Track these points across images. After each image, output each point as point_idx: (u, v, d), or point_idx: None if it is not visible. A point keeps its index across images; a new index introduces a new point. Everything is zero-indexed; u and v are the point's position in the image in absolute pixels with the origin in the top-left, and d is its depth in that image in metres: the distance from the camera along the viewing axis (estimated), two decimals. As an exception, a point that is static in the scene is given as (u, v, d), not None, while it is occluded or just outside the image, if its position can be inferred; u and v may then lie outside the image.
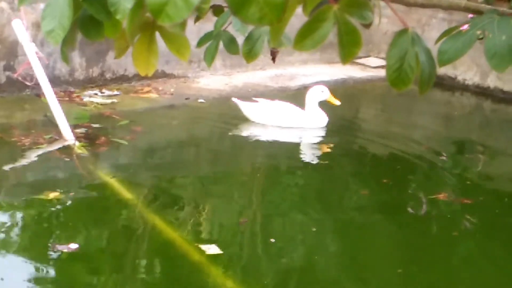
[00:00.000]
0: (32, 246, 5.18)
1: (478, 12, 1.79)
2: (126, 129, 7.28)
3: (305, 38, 1.35)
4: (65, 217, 5.59)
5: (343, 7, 1.35)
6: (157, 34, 2.17)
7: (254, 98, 8.10)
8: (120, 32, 2.18)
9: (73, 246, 5.01)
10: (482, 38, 1.71)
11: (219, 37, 2.11)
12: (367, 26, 1.45)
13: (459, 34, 1.71)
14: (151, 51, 2.15)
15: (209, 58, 2.12)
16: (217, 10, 2.11)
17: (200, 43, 2.19)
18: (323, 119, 7.82)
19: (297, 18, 1.71)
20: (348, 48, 1.37)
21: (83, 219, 5.64)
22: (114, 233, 5.47)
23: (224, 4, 2.01)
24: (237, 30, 2.06)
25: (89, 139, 6.89)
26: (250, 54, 2.02)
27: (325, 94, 7.79)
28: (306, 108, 7.84)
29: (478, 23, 1.71)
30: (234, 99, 8.01)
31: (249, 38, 2.00)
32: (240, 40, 2.12)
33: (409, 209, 6.20)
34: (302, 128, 7.83)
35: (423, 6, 1.80)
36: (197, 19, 2.10)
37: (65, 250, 4.96)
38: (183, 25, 1.72)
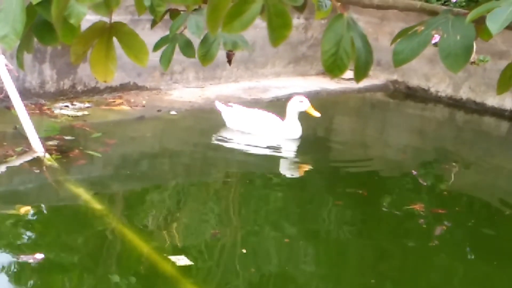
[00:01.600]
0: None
1: (433, 13, 1.77)
2: (98, 141, 7.24)
3: (234, 20, 1.33)
4: (34, 229, 5.53)
5: (273, -12, 1.33)
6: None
7: (229, 103, 8.10)
8: (76, 37, 2.15)
9: (39, 256, 4.95)
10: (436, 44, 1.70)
11: (175, 41, 2.08)
12: (300, 9, 1.43)
13: (414, 35, 1.70)
14: (109, 58, 2.12)
15: (165, 62, 2.09)
16: (173, 13, 2.08)
17: (156, 47, 2.16)
18: (297, 131, 7.82)
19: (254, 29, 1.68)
20: (278, 31, 1.34)
21: (52, 231, 5.59)
22: (83, 245, 5.41)
23: (181, 8, 1.99)
24: (192, 33, 2.03)
25: (61, 151, 6.84)
26: (205, 57, 1.99)
27: (305, 105, 7.79)
28: (285, 118, 7.85)
29: (433, 23, 1.70)
30: (217, 103, 8.02)
31: (204, 41, 1.98)
32: (196, 43, 2.09)
33: (385, 220, 6.20)
34: (277, 138, 7.83)
35: (378, 7, 1.78)
36: (154, 23, 2.07)
37: (31, 261, 4.90)
38: (108, 6, 1.69)
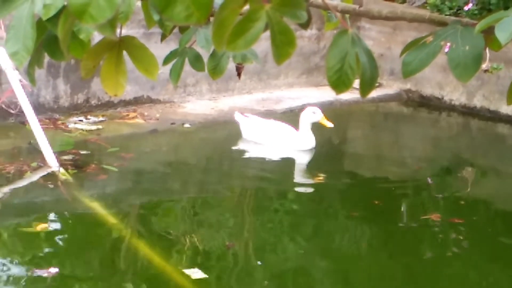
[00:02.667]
0: (13, 272, 5.13)
1: (442, 23, 1.77)
2: (113, 155, 7.25)
3: (238, 38, 1.33)
4: (48, 244, 5.54)
5: (276, 6, 1.32)
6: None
7: (245, 114, 8.12)
8: (86, 52, 2.16)
9: (53, 270, 4.97)
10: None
11: (184, 54, 2.09)
12: (304, 26, 1.43)
13: (423, 46, 1.70)
14: (119, 71, 2.12)
15: (175, 76, 2.09)
16: (183, 27, 2.09)
17: (166, 61, 2.16)
18: (310, 141, 7.81)
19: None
20: (282, 48, 1.34)
21: (67, 245, 5.60)
22: (97, 259, 5.42)
23: (190, 22, 2.00)
24: (201, 47, 2.03)
25: (76, 166, 6.86)
26: (215, 70, 1.99)
27: (317, 116, 7.78)
28: (299, 130, 7.85)
29: (442, 34, 1.70)
30: (236, 114, 8.09)
31: (213, 55, 1.98)
32: (206, 57, 2.09)
33: (401, 231, 6.17)
34: (291, 149, 7.83)
35: (387, 18, 1.78)
36: (163, 37, 2.07)
37: (45, 275, 4.92)
38: (112, 27, 1.69)
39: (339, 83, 1.44)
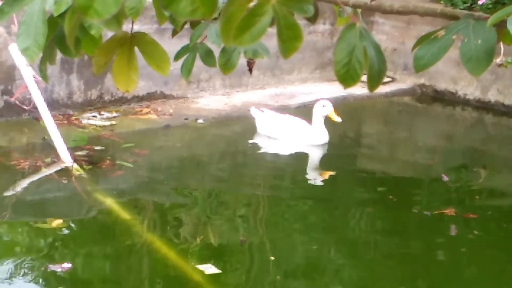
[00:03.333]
0: (27, 266, 5.16)
1: (454, 17, 1.76)
2: (127, 150, 7.26)
3: (244, 33, 1.32)
4: (62, 239, 5.56)
5: (282, 1, 1.32)
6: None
7: (261, 109, 8.11)
8: (98, 48, 2.16)
9: (66, 265, 4.99)
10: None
11: (195, 50, 2.08)
12: (311, 20, 1.42)
13: (435, 40, 1.68)
14: (131, 67, 2.12)
15: (186, 71, 2.09)
16: (194, 22, 2.08)
17: (177, 57, 2.16)
18: (324, 136, 7.79)
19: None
20: (289, 43, 1.34)
21: (80, 241, 5.62)
22: (110, 254, 5.44)
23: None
24: (212, 42, 2.03)
25: (90, 161, 6.88)
26: (226, 66, 1.99)
27: (327, 109, 7.76)
28: (312, 124, 7.83)
29: (453, 28, 1.69)
30: (253, 109, 8.08)
31: (224, 50, 1.98)
32: (217, 52, 2.09)
33: (416, 226, 6.16)
34: (304, 143, 7.82)
35: (399, 13, 1.77)
36: (174, 32, 2.07)
37: (58, 270, 4.94)
38: (118, 22, 1.69)
39: (347, 77, 1.43)
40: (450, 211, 6.31)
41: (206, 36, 2.07)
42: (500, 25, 1.65)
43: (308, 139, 7.82)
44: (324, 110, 7.75)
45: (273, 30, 1.44)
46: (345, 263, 5.60)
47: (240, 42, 1.32)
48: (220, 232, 5.94)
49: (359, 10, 2.05)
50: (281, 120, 7.95)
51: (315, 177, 7.37)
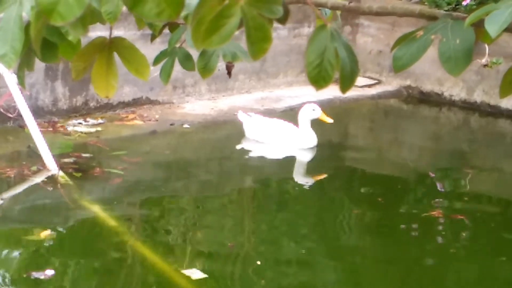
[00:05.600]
0: (11, 274, 5.14)
1: (433, 17, 1.76)
2: (113, 157, 7.23)
3: (212, 35, 1.31)
4: (47, 247, 5.53)
5: (250, 2, 1.31)
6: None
7: (248, 113, 8.09)
8: (76, 54, 2.15)
9: (49, 272, 4.97)
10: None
11: (174, 54, 2.08)
12: (281, 21, 1.41)
13: (414, 40, 1.68)
14: (110, 72, 2.11)
15: (165, 75, 2.08)
16: (172, 26, 2.07)
17: (156, 61, 2.15)
18: (312, 139, 7.78)
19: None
20: (258, 44, 1.33)
21: (66, 248, 5.59)
22: (98, 261, 5.42)
23: (180, 21, 1.98)
24: (191, 46, 2.01)
25: (77, 169, 6.85)
26: (205, 69, 1.98)
27: (317, 112, 7.75)
28: (299, 127, 7.82)
29: (432, 28, 1.68)
30: (240, 113, 8.08)
31: (203, 54, 1.97)
32: (196, 56, 2.08)
33: (404, 228, 6.16)
34: (293, 147, 7.81)
35: (377, 14, 1.76)
36: (153, 37, 2.06)
37: (42, 277, 4.92)
38: (83, 26, 1.68)
39: (319, 79, 1.42)
40: (438, 213, 6.32)
41: (185, 40, 2.07)
42: (478, 25, 1.64)
43: (296, 143, 7.81)
44: (313, 113, 7.74)
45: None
46: (333, 266, 5.59)
47: (209, 44, 1.31)
48: (208, 237, 5.93)
49: (338, 12, 2.05)
50: (268, 124, 7.94)
51: (303, 181, 7.37)
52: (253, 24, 1.31)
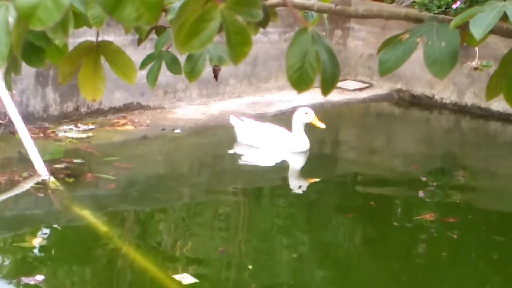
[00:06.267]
0: (1, 280, 5.13)
1: (419, 20, 1.76)
2: (105, 163, 7.21)
3: (193, 39, 1.32)
4: (38, 251, 5.52)
5: (230, 6, 1.31)
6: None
7: (240, 118, 8.08)
8: (63, 58, 2.14)
9: (39, 278, 4.96)
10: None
11: (161, 58, 2.08)
12: (262, 24, 1.41)
13: (399, 43, 1.68)
14: (97, 77, 2.11)
15: (152, 79, 2.08)
16: (159, 30, 2.07)
17: (143, 65, 2.15)
18: (304, 143, 7.76)
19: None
20: (238, 48, 1.33)
21: (57, 253, 5.58)
22: (89, 266, 5.40)
23: (166, 25, 1.98)
24: (177, 51, 2.02)
25: (68, 174, 6.84)
26: (192, 73, 1.98)
27: (310, 116, 7.74)
28: (292, 131, 7.81)
29: (417, 31, 1.68)
30: (232, 117, 8.06)
31: (190, 58, 1.97)
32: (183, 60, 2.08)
33: (396, 231, 6.17)
34: (285, 151, 7.80)
35: (363, 16, 1.76)
36: (140, 41, 2.06)
37: (32, 282, 4.91)
38: (64, 30, 1.68)
39: (300, 82, 1.42)
40: (430, 216, 6.33)
41: (171, 44, 2.07)
42: (464, 27, 1.65)
43: (288, 147, 7.80)
44: (306, 117, 7.73)
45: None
46: (325, 270, 5.59)
47: (189, 48, 1.31)
48: (199, 242, 5.93)
49: (325, 15, 2.05)
50: (261, 128, 7.92)
51: (295, 185, 7.37)
52: (233, 28, 1.31)
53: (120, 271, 5.34)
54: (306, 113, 7.76)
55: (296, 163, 7.80)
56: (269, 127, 7.94)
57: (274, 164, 7.75)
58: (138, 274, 5.27)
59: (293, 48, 1.40)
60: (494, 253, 5.91)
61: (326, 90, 1.46)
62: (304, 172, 7.74)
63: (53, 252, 5.60)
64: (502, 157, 8.42)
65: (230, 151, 7.90)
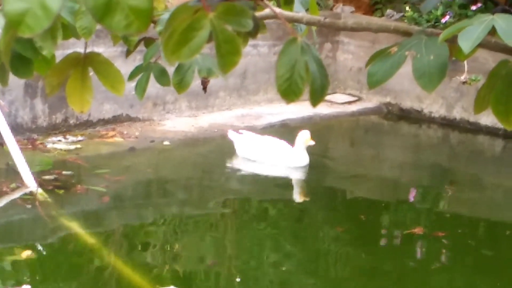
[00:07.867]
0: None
1: (407, 33, 1.76)
2: (93, 174, 7.20)
3: (182, 48, 1.32)
4: (26, 264, 5.50)
5: (220, 15, 1.31)
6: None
7: (240, 131, 8.06)
8: (51, 69, 2.14)
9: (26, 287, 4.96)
10: None
11: (149, 69, 2.07)
12: (252, 34, 1.42)
13: (388, 56, 1.68)
14: (85, 88, 2.11)
15: (140, 90, 2.08)
16: (148, 41, 2.07)
17: (131, 76, 2.15)
18: (305, 158, 7.73)
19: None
20: (228, 57, 1.33)
21: (45, 266, 5.56)
22: (76, 278, 5.38)
23: (155, 36, 1.98)
24: (166, 61, 2.01)
25: (57, 186, 6.82)
26: (180, 85, 1.98)
27: (305, 136, 7.71)
28: (294, 147, 7.75)
29: (406, 44, 1.69)
30: (230, 132, 8.02)
31: (179, 69, 1.97)
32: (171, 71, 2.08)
33: (386, 245, 6.17)
34: (285, 165, 7.74)
35: (352, 29, 1.77)
36: (128, 52, 2.05)
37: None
38: (53, 38, 1.67)
39: (289, 92, 1.43)
40: (419, 230, 6.33)
41: (160, 56, 2.06)
42: (452, 41, 1.65)
43: (288, 161, 7.75)
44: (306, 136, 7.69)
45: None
46: (315, 284, 5.58)
47: (178, 57, 1.31)
48: (188, 254, 5.91)
49: (314, 28, 2.05)
50: (261, 142, 7.87)
51: (286, 198, 7.35)
52: (222, 37, 1.31)
53: (107, 284, 5.31)
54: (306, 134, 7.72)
55: (289, 177, 7.78)
56: (269, 141, 7.88)
57: (261, 176, 7.73)
58: (126, 286, 5.25)
59: (283, 58, 1.41)
60: (483, 267, 5.92)
61: (315, 100, 1.46)
62: (293, 186, 7.73)
63: (39, 263, 5.57)
64: (490, 170, 8.45)
65: (221, 163, 7.89)
